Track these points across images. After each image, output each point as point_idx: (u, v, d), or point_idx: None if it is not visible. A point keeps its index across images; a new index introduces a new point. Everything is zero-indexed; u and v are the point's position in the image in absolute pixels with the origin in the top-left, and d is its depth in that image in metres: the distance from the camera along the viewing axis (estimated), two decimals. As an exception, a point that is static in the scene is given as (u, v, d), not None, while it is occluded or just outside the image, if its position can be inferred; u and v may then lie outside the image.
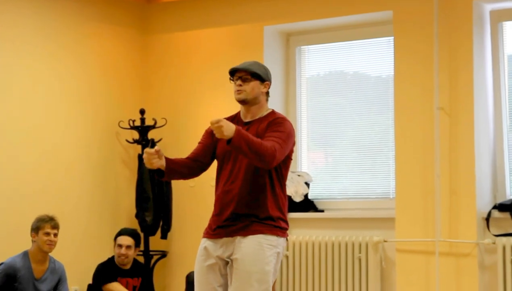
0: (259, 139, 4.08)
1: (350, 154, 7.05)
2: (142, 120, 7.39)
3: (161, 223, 7.32)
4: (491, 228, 6.10)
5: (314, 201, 7.00)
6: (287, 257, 6.80)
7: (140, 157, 7.29)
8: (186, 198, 7.31)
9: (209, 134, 4.38)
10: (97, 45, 7.37)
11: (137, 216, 7.30)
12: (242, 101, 4.32)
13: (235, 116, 4.42)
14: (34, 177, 6.74)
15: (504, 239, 6.00)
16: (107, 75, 7.43)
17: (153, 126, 7.35)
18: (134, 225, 7.20)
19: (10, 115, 6.62)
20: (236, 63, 4.41)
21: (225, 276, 4.29)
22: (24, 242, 6.11)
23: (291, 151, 4.32)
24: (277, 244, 4.24)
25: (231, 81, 4.36)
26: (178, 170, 4.31)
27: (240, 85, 4.29)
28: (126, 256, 6.54)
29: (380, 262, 6.50)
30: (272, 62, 7.10)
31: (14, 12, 6.70)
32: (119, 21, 7.57)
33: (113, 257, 6.61)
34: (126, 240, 6.55)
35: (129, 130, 7.41)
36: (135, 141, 7.41)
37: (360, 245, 6.52)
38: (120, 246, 6.54)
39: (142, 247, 7.09)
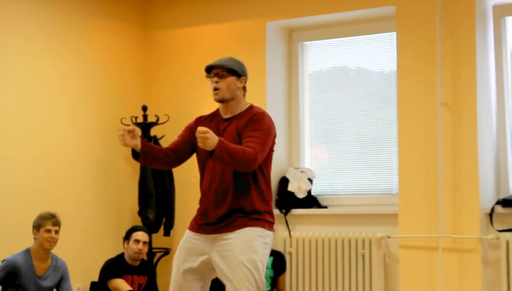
0: (240, 147, 4.12)
1: (353, 149, 7.04)
2: (145, 117, 7.38)
3: (164, 220, 7.32)
4: (494, 224, 6.09)
5: (317, 197, 6.99)
6: (290, 253, 6.80)
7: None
8: (189, 195, 7.27)
9: (190, 130, 4.47)
10: (99, 42, 7.36)
11: (139, 213, 7.29)
12: (220, 101, 4.39)
13: (215, 114, 4.49)
14: (36, 174, 6.73)
15: (507, 234, 5.99)
16: (109, 71, 7.42)
17: (156, 123, 7.34)
18: (137, 222, 7.19)
19: (11, 112, 6.60)
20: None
21: (204, 267, 4.35)
22: (26, 240, 6.09)
23: (273, 143, 4.37)
24: (265, 235, 4.29)
25: (208, 78, 4.42)
26: (154, 155, 4.38)
27: (217, 82, 4.35)
28: (142, 252, 6.51)
29: (384, 258, 6.49)
30: (274, 58, 7.11)
31: (14, 8, 6.68)
32: (121, 17, 7.56)
33: (122, 254, 6.56)
34: (143, 236, 6.50)
35: (132, 127, 7.40)
36: (138, 138, 7.39)
37: (363, 241, 6.52)
38: (137, 241, 6.46)
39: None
